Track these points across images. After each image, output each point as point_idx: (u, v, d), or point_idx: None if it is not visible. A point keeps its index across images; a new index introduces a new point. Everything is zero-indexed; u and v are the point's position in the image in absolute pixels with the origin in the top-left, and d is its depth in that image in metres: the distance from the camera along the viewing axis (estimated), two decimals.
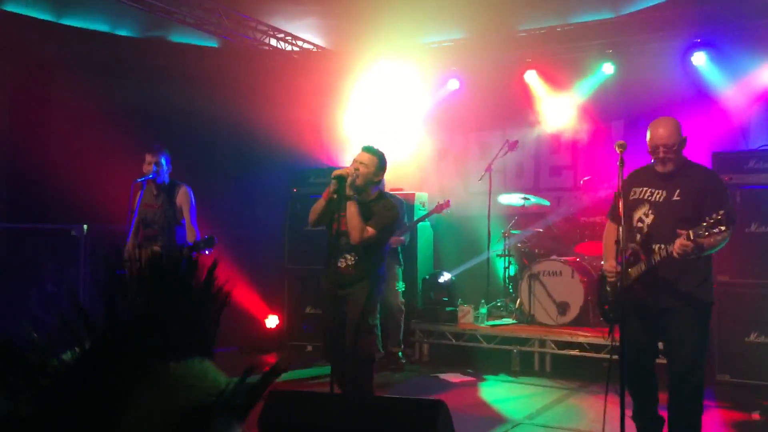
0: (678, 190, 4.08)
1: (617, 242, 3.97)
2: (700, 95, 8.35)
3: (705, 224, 3.68)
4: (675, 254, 3.83)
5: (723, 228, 3.65)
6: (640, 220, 4.18)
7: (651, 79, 8.51)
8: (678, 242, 3.80)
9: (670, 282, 4.07)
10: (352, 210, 4.81)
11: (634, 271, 4.11)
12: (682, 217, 3.92)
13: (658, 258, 4.00)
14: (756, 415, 5.71)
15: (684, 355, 4.07)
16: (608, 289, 4.44)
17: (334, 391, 4.81)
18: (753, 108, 8.09)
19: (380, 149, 5.14)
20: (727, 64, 8.29)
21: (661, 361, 4.37)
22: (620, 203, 4.02)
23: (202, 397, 0.92)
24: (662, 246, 3.99)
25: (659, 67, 8.62)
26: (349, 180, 4.79)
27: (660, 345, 4.41)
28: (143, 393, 0.91)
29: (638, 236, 4.16)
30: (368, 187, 5.01)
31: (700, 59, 8.35)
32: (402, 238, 7.64)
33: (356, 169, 4.90)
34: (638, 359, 4.18)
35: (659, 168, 4.17)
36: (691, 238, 3.74)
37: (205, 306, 1.03)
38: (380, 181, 5.15)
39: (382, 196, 5.17)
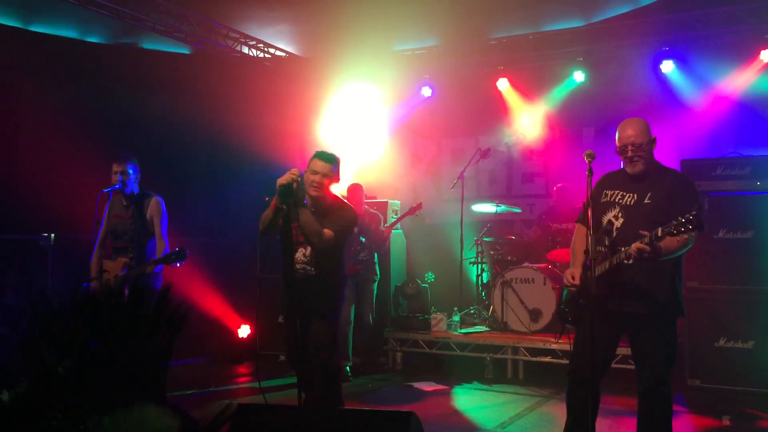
0: (649, 193, 4.04)
1: (586, 251, 3.94)
2: (669, 103, 8.47)
3: (675, 222, 3.64)
4: (632, 254, 3.79)
5: (692, 228, 3.60)
6: (610, 222, 4.13)
7: (621, 86, 8.64)
8: (634, 246, 3.76)
9: (635, 285, 4.01)
10: (306, 216, 4.64)
11: (597, 271, 3.98)
12: (653, 220, 3.86)
13: (622, 257, 3.95)
14: (726, 421, 5.76)
15: (654, 367, 4.06)
16: (567, 293, 4.40)
17: (303, 401, 4.75)
18: (720, 115, 8.20)
19: (333, 153, 4.95)
20: (695, 72, 8.44)
21: (630, 366, 4.38)
22: (589, 212, 3.98)
23: None
24: (627, 249, 3.91)
25: (629, 74, 8.74)
26: (294, 186, 4.52)
27: (617, 351, 4.39)
28: None
29: (606, 239, 4.10)
30: (325, 193, 4.89)
31: (668, 67, 8.48)
32: (389, 231, 7.85)
33: (301, 175, 4.65)
34: (581, 362, 4.11)
35: (629, 169, 4.12)
36: (659, 235, 3.69)
37: (148, 353, 0.99)
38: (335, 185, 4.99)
39: (338, 200, 5.03)
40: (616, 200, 4.15)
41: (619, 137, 4.14)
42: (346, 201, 5.18)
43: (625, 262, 3.95)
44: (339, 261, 5.04)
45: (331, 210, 4.90)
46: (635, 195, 4.10)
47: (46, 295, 1.12)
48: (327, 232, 4.72)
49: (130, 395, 0.94)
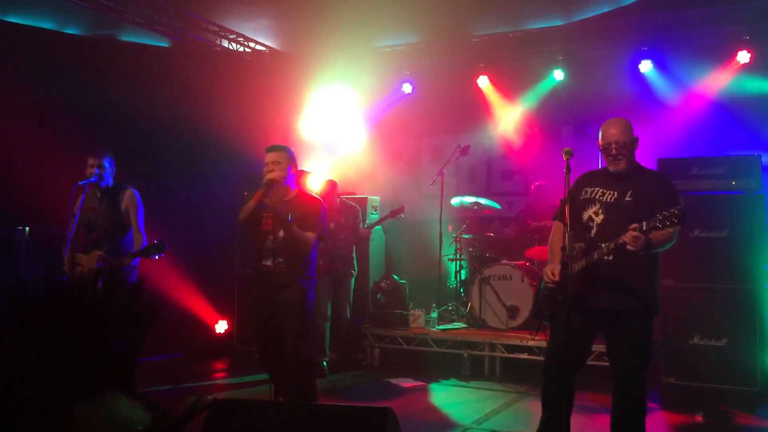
0: (630, 191, 4.12)
1: (563, 248, 3.98)
2: (647, 102, 8.55)
3: (660, 216, 3.72)
4: (628, 245, 3.83)
5: (677, 222, 3.69)
6: (590, 219, 4.19)
7: (600, 85, 8.69)
8: (630, 233, 3.80)
9: (614, 281, 4.07)
10: (291, 230, 4.84)
11: (577, 266, 4.09)
12: (633, 217, 3.94)
13: (604, 252, 4.00)
14: (699, 417, 5.84)
15: (628, 365, 4.12)
16: (543, 288, 4.44)
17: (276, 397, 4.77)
18: (697, 115, 8.28)
19: (284, 145, 5.16)
20: (673, 72, 8.52)
21: (606, 363, 4.42)
22: (566, 209, 4.01)
23: None
24: (609, 243, 3.98)
25: (608, 73, 8.80)
26: (282, 181, 4.85)
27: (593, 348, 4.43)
28: None
29: (587, 235, 4.16)
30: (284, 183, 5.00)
31: (646, 67, 8.55)
32: (368, 233, 7.86)
33: (272, 170, 4.92)
34: (558, 357, 4.16)
35: (612, 167, 4.21)
36: (644, 229, 3.77)
37: (117, 342, 0.99)
38: (292, 176, 5.09)
39: (306, 193, 5.17)
40: (596, 197, 4.23)
41: (602, 135, 4.24)
42: (313, 194, 5.33)
43: (605, 258, 4.02)
44: (309, 255, 5.09)
45: (300, 203, 5.00)
46: (615, 192, 4.17)
47: (23, 283, 1.11)
48: (310, 235, 4.92)
49: (101, 387, 0.93)
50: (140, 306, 1.05)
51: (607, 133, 4.20)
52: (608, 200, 4.17)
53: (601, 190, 4.23)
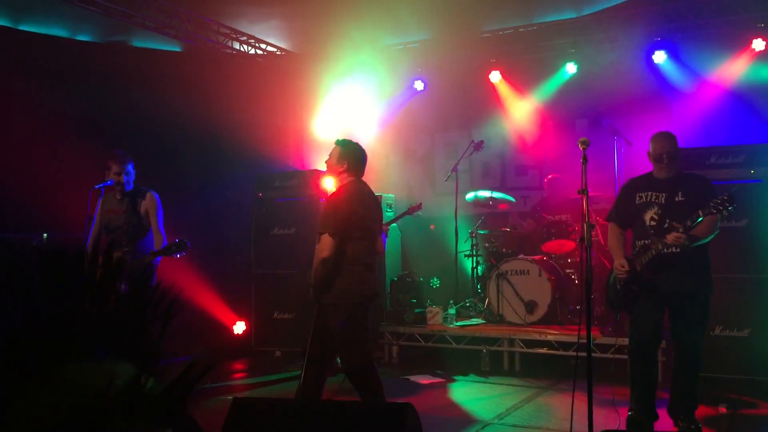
0: (680, 192, 4.81)
1: (582, 239, 4.28)
2: (662, 93, 8.48)
3: (712, 203, 4.37)
4: (670, 243, 4.58)
5: (729, 205, 4.31)
6: (652, 218, 4.87)
7: (613, 77, 8.62)
8: (672, 234, 4.55)
9: (677, 268, 4.72)
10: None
11: (644, 259, 4.79)
12: (688, 213, 4.55)
13: (660, 246, 4.67)
14: (723, 408, 5.78)
15: (693, 334, 4.86)
16: (615, 283, 5.02)
17: None
18: (713, 105, 8.20)
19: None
20: (687, 62, 8.44)
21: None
22: (584, 201, 4.22)
23: (97, 396, 0.89)
24: (658, 243, 4.71)
25: (621, 65, 8.72)
26: None
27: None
28: (34, 391, 0.88)
29: (651, 231, 4.83)
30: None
31: (660, 58, 8.47)
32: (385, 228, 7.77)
33: None
34: (647, 338, 4.87)
35: (662, 174, 4.91)
36: (682, 231, 4.53)
37: (127, 312, 1.00)
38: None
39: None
40: (652, 200, 4.90)
41: (655, 147, 4.95)
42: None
43: (674, 250, 4.67)
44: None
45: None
46: (665, 194, 4.86)
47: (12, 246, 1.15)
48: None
49: (102, 353, 0.95)
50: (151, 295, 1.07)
51: (660, 145, 4.92)
52: (662, 202, 4.85)
53: (654, 193, 4.91)
